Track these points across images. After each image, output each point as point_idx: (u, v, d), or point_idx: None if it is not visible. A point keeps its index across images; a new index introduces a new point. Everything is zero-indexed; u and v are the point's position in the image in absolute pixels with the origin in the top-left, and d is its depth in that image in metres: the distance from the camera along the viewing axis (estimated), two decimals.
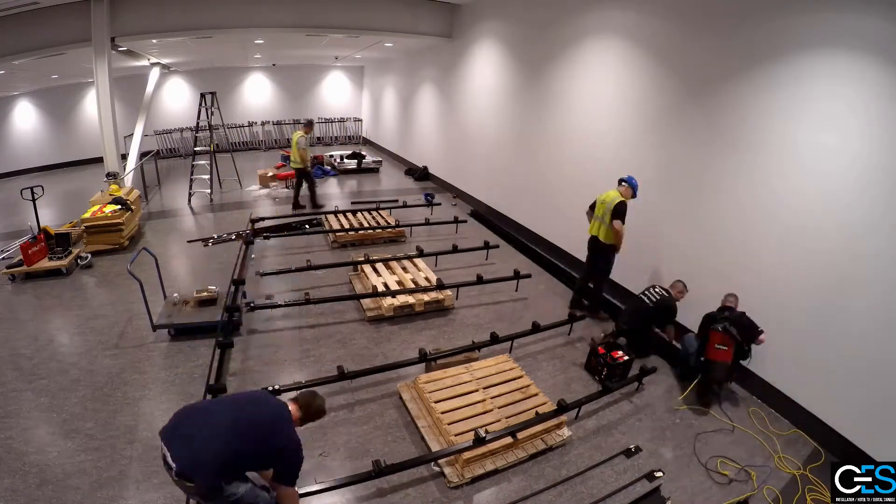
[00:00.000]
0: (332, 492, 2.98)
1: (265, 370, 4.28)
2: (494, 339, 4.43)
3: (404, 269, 6.02)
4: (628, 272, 5.62)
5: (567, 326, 5.05)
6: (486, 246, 6.96)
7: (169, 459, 2.25)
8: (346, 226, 7.73)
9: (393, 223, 7.91)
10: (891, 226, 3.22)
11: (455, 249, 6.69)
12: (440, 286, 5.40)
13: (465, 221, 8.35)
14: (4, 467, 3.17)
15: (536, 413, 3.55)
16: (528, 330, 4.69)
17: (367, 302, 5.28)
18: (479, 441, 3.15)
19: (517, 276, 5.88)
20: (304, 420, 2.59)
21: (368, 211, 8.44)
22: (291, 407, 2.55)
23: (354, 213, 8.33)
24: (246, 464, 2.40)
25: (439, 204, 9.66)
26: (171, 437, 2.33)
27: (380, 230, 7.69)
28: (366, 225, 7.82)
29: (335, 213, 8.29)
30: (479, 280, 5.69)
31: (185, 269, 6.45)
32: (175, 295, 5.01)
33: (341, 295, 5.38)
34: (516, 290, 5.98)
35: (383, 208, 8.62)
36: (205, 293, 5.03)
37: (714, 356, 4.00)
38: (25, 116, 13.17)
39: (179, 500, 2.97)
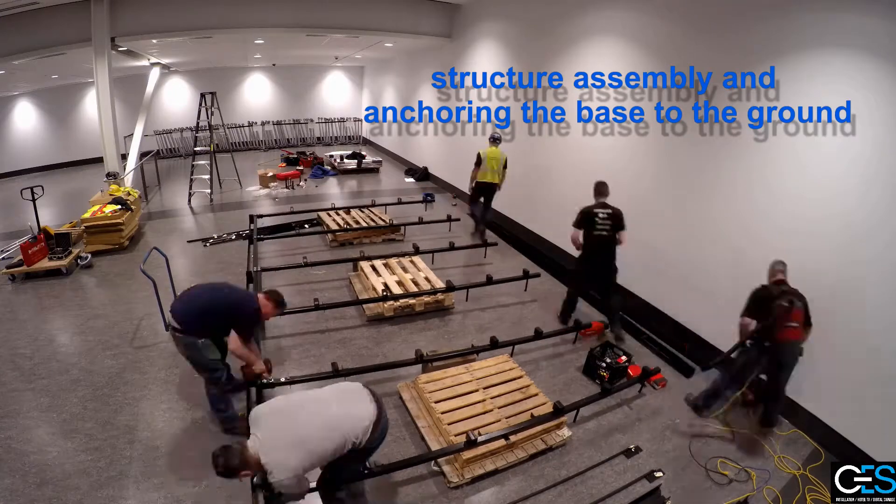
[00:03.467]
0: None
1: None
2: (494, 345, 4.32)
3: (404, 268, 6.02)
4: (626, 271, 5.63)
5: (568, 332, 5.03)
6: (485, 244, 6.96)
7: (172, 320, 3.23)
8: (342, 224, 7.75)
9: (388, 221, 7.92)
10: (892, 228, 3.22)
11: (452, 247, 6.69)
12: (450, 288, 5.32)
13: (459, 220, 8.35)
14: (4, 467, 3.17)
15: (532, 415, 3.54)
16: (529, 336, 4.56)
17: None
18: (470, 443, 3.12)
19: (527, 275, 5.86)
20: (272, 307, 3.44)
21: (361, 209, 8.45)
22: (263, 297, 3.43)
23: (348, 210, 8.33)
24: (213, 320, 3.27)
25: (432, 201, 9.70)
26: (174, 303, 3.37)
27: (377, 229, 7.70)
28: (361, 223, 7.83)
29: (330, 209, 8.32)
30: (489, 280, 5.65)
31: (185, 269, 6.44)
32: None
33: (350, 300, 5.39)
34: (525, 290, 5.97)
35: (378, 205, 8.63)
36: None
37: (786, 335, 3.34)
38: (25, 116, 13.19)
39: (180, 501, 2.97)
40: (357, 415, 2.45)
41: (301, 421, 2.34)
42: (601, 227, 4.66)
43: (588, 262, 4.89)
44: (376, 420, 2.48)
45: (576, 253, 5.01)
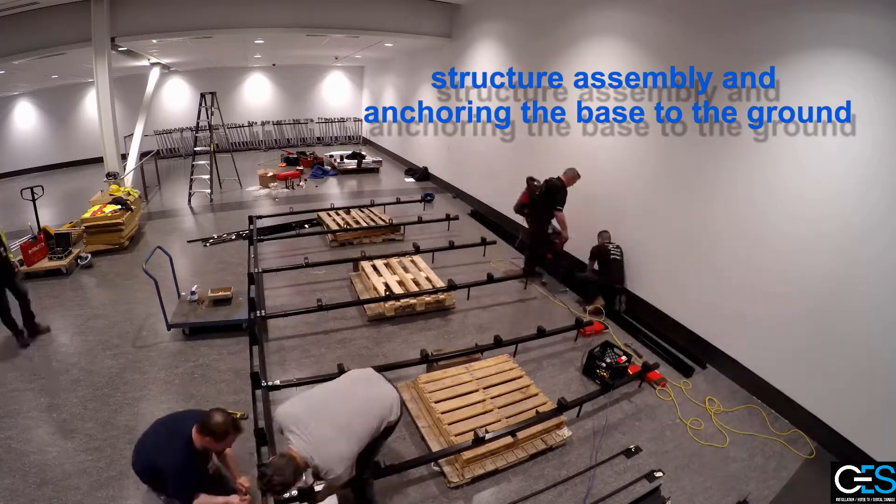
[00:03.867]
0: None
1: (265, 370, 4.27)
2: (498, 343, 4.35)
3: (405, 268, 6.02)
4: (625, 270, 5.64)
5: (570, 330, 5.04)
6: (483, 242, 6.97)
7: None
8: (342, 224, 7.75)
9: (388, 221, 7.92)
10: (893, 228, 3.21)
11: (452, 246, 6.70)
12: (451, 287, 5.31)
13: (457, 218, 8.37)
14: (4, 467, 3.18)
15: (536, 412, 3.55)
16: (532, 335, 4.59)
17: None
18: (478, 441, 3.15)
19: (526, 273, 5.88)
20: (212, 441, 2.49)
21: (360, 209, 8.47)
22: (195, 432, 2.51)
23: (348, 210, 8.35)
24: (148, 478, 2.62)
25: (431, 200, 9.73)
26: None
27: (377, 229, 7.71)
28: (361, 222, 7.84)
29: (330, 209, 8.33)
30: (490, 279, 5.65)
31: (185, 269, 6.44)
32: (193, 290, 5.03)
33: (352, 300, 5.38)
34: (525, 288, 5.97)
35: (377, 205, 8.64)
36: (220, 292, 5.01)
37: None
38: (25, 116, 13.19)
39: None
40: (383, 395, 2.58)
41: (337, 412, 2.37)
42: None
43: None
44: (399, 396, 2.66)
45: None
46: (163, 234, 7.85)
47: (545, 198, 5.64)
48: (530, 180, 5.84)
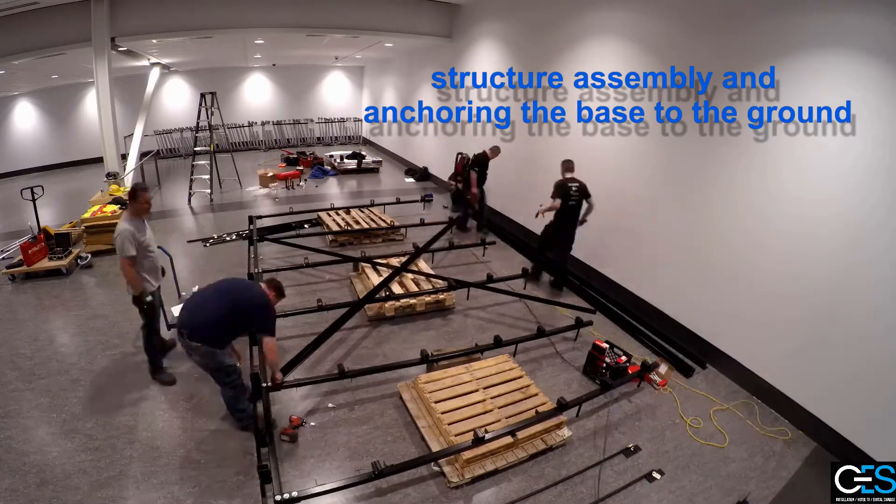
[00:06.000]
0: (333, 493, 2.98)
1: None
2: (498, 343, 4.35)
3: None
4: (625, 270, 5.64)
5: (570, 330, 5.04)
6: (483, 243, 6.97)
7: (184, 335, 3.18)
8: (342, 223, 7.75)
9: (388, 221, 7.93)
10: (893, 229, 3.21)
11: (452, 246, 6.69)
12: (451, 287, 5.31)
13: (458, 219, 8.37)
14: (4, 467, 3.17)
15: (536, 412, 3.55)
16: (532, 334, 4.61)
17: None
18: (478, 441, 3.15)
19: (525, 274, 5.88)
20: (275, 295, 3.51)
21: (360, 209, 8.47)
22: (265, 286, 3.48)
23: (348, 210, 8.36)
24: (232, 325, 3.29)
25: (430, 200, 9.74)
26: (182, 315, 3.29)
27: (378, 230, 7.71)
28: (361, 222, 7.84)
29: (329, 209, 8.34)
30: (489, 280, 5.65)
31: (186, 269, 6.44)
32: (194, 290, 5.01)
33: (352, 301, 5.34)
34: (525, 288, 5.98)
35: (377, 204, 8.64)
36: None
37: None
38: (25, 116, 13.18)
39: (180, 501, 2.97)
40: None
41: None
42: (573, 197, 5.50)
43: (558, 228, 5.73)
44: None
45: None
46: (163, 235, 7.83)
47: (473, 164, 7.49)
48: (459, 155, 8.15)
